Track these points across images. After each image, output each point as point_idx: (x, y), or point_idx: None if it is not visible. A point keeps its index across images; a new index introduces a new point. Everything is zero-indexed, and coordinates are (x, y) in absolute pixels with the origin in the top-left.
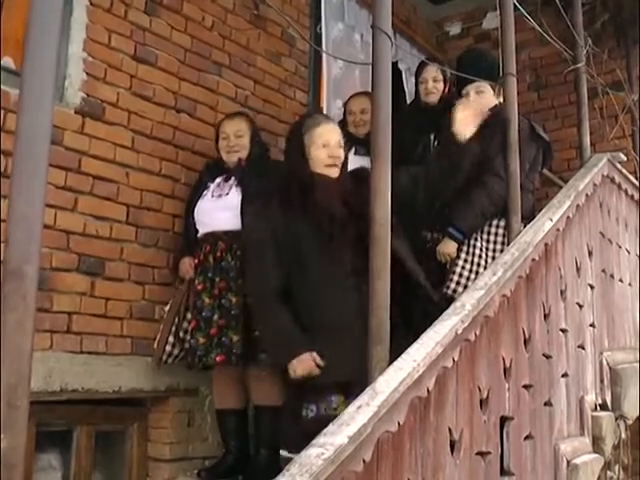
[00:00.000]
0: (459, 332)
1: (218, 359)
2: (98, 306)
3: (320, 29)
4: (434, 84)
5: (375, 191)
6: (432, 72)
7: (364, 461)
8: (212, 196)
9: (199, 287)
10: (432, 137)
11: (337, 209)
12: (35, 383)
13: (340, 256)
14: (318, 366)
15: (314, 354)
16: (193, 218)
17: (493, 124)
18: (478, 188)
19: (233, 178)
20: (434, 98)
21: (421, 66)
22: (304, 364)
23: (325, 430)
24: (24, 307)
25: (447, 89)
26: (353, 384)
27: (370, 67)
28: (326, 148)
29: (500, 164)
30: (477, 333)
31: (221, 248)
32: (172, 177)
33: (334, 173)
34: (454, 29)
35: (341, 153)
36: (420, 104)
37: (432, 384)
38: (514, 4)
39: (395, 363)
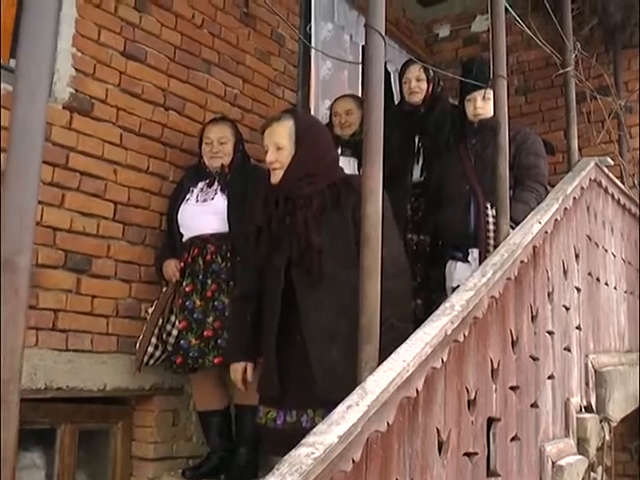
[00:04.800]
0: (448, 333)
1: (216, 361)
2: (84, 303)
3: (310, 29)
4: (417, 83)
5: (366, 190)
6: (415, 71)
7: (353, 461)
8: (197, 201)
9: (187, 289)
10: (417, 139)
11: (263, 220)
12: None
13: (272, 276)
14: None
15: (249, 367)
16: (176, 222)
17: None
18: (530, 193)
19: (217, 183)
20: (418, 98)
21: (405, 66)
22: (233, 373)
23: (315, 429)
24: (16, 300)
25: (431, 89)
26: (284, 399)
27: (359, 68)
28: (267, 153)
29: (541, 174)
30: (466, 334)
31: (211, 251)
32: (160, 175)
33: (274, 179)
34: (443, 31)
35: (274, 157)
36: (404, 106)
37: (421, 384)
38: (505, 6)
39: (385, 363)
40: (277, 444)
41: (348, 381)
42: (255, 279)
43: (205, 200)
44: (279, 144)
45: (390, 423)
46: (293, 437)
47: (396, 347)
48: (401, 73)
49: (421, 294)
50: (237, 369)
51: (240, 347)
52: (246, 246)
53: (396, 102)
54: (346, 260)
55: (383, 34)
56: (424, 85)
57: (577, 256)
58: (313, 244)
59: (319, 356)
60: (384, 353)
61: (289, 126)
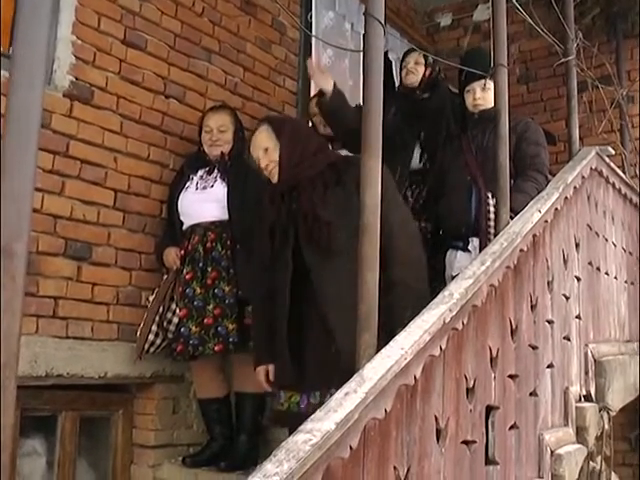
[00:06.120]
0: (447, 321)
1: (217, 349)
2: (84, 291)
3: (311, 17)
4: (415, 65)
5: (365, 178)
6: (415, 55)
7: (351, 447)
8: (196, 188)
9: (187, 276)
10: (414, 123)
11: (273, 216)
12: (20, 367)
13: (280, 264)
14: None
15: (269, 368)
16: (177, 209)
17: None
18: (531, 183)
19: (216, 171)
20: (413, 79)
21: (405, 53)
22: (258, 376)
23: (312, 416)
24: (13, 286)
25: (428, 73)
26: (305, 385)
27: (360, 56)
28: (259, 159)
29: (542, 163)
30: (465, 322)
31: (211, 238)
32: (160, 163)
33: (274, 179)
34: (444, 20)
35: (266, 160)
36: (401, 89)
37: (419, 372)
38: None
39: (383, 351)
40: None
41: None
42: (269, 280)
43: (205, 188)
44: (263, 146)
45: (388, 410)
46: None
47: (412, 310)
48: (401, 61)
49: None
50: (259, 372)
51: (261, 351)
52: (259, 247)
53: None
54: (354, 232)
55: (383, 22)
56: (421, 68)
57: (577, 245)
58: (320, 216)
59: (339, 324)
60: (398, 316)
61: (265, 129)
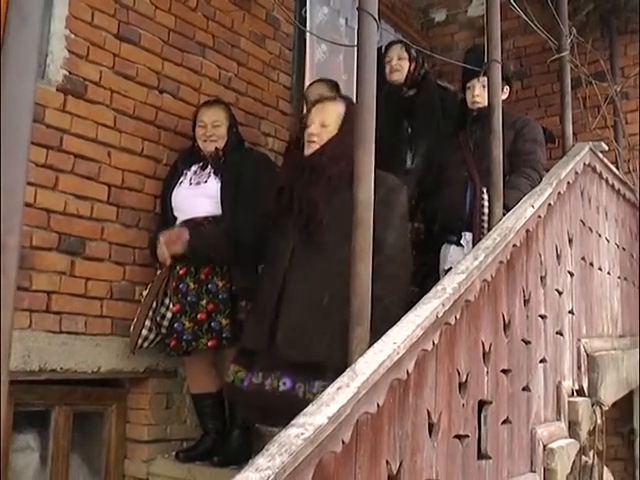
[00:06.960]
0: (440, 315)
1: (210, 344)
2: (78, 286)
3: (305, 12)
4: (398, 61)
5: (358, 174)
6: (397, 50)
7: (343, 442)
8: (190, 184)
9: (181, 271)
10: (405, 123)
11: (285, 181)
12: (13, 362)
13: (284, 231)
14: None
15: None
16: (170, 204)
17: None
18: (524, 179)
19: (210, 166)
20: (399, 76)
21: (387, 46)
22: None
23: (305, 410)
24: (5, 280)
25: (413, 68)
26: (257, 358)
27: (355, 51)
28: (310, 126)
29: (537, 160)
30: (457, 317)
31: None
32: (154, 157)
33: (307, 150)
34: (439, 16)
35: (317, 131)
36: (387, 86)
37: (412, 367)
38: None
39: (375, 345)
40: (243, 404)
41: (315, 348)
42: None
43: (198, 183)
44: (325, 122)
45: (380, 405)
46: (257, 398)
47: (385, 328)
48: (384, 53)
49: (416, 280)
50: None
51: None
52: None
53: None
54: (347, 237)
55: (376, 17)
56: (405, 64)
57: (570, 240)
58: (319, 212)
59: (290, 318)
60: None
61: (340, 109)
